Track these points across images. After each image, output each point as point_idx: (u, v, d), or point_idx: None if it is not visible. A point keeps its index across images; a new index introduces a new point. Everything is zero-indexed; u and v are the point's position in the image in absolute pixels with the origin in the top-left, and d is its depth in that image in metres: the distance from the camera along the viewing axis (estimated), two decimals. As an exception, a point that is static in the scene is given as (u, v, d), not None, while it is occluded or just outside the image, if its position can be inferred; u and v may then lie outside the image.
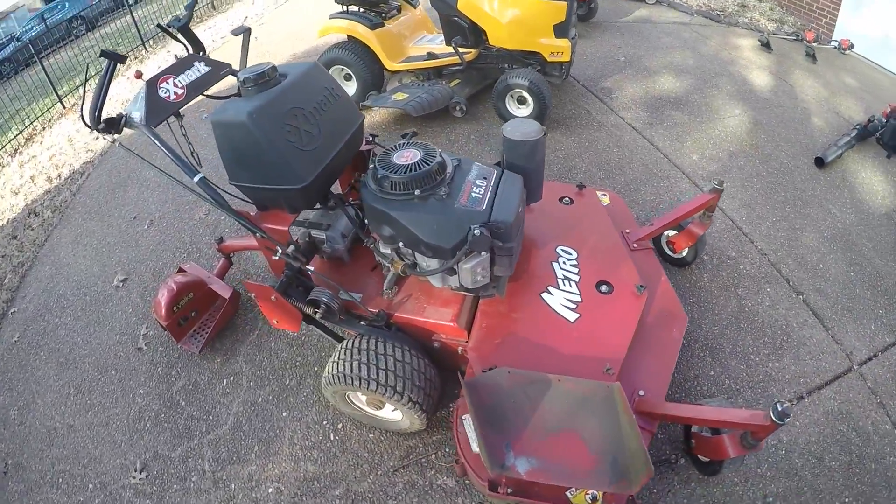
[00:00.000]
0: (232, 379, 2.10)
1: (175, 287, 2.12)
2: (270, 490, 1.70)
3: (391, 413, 1.70)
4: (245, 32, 1.80)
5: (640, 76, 4.02)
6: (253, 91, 1.50)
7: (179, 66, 1.63)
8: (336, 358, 1.58)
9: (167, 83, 1.57)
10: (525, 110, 3.19)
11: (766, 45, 4.51)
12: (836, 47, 4.69)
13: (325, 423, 1.88)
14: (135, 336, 2.39)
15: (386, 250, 1.59)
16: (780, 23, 5.31)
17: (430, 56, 3.38)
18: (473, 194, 1.43)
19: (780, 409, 1.22)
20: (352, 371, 1.50)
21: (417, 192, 1.41)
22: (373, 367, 1.49)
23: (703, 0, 5.77)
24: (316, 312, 1.58)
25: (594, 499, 1.31)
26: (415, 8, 3.78)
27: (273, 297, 1.53)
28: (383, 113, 3.70)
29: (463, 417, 1.48)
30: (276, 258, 1.63)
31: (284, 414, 1.93)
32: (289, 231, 1.66)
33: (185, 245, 2.87)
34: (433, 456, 1.74)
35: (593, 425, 1.32)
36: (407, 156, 1.47)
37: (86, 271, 2.88)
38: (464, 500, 1.63)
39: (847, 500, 1.61)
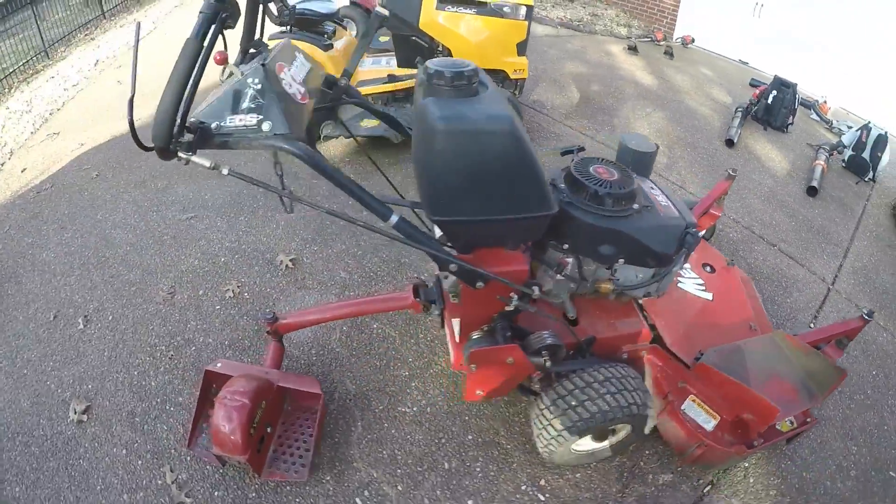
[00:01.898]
0: (367, 493, 1.75)
1: (246, 400, 1.63)
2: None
3: (608, 440, 1.76)
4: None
5: (556, 88, 4.69)
6: (459, 93, 1.25)
7: (284, 53, 1.30)
8: (568, 405, 1.55)
9: (285, 73, 1.24)
10: None
11: (633, 49, 5.71)
12: (680, 43, 6.19)
13: (524, 487, 1.78)
14: (160, 489, 1.75)
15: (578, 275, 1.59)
16: (628, 27, 6.72)
17: (392, 79, 3.41)
18: (661, 202, 1.63)
19: (865, 311, 1.85)
20: (608, 405, 1.52)
21: (636, 205, 1.51)
22: (626, 394, 1.54)
23: (560, 13, 6.94)
24: (546, 360, 1.52)
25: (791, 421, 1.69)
26: (345, 29, 3.75)
27: (510, 359, 1.44)
28: (346, 142, 3.58)
29: (683, 408, 1.69)
30: (512, 307, 1.47)
31: (470, 502, 1.74)
32: (529, 268, 1.47)
33: (165, 338, 2.24)
34: (641, 463, 1.87)
35: (783, 366, 1.73)
36: (602, 171, 1.54)
37: (13, 411, 2.02)
38: (686, 487, 1.84)
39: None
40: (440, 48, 3.34)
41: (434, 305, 1.74)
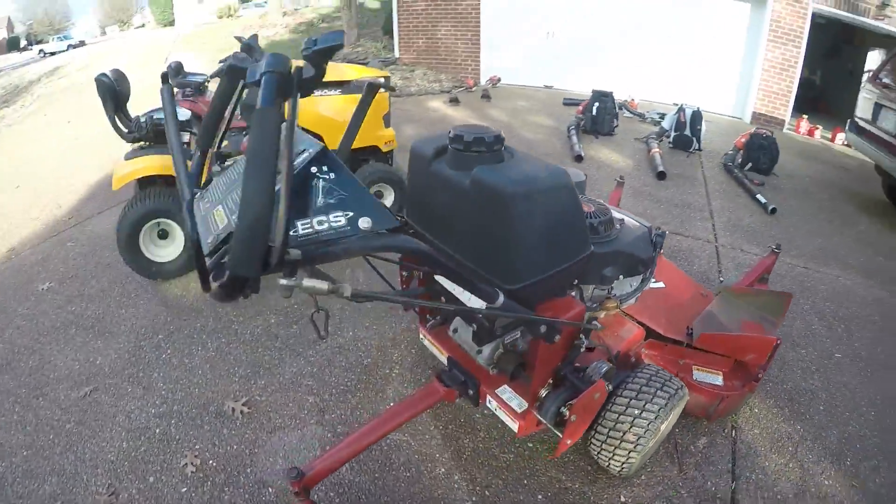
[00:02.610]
0: None
1: None
2: None
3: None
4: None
5: (406, 151, 4.97)
6: (498, 157, 1.34)
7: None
8: (633, 416, 1.61)
9: None
10: (387, 200, 3.50)
11: (455, 101, 6.43)
12: (490, 85, 7.18)
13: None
14: None
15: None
16: (438, 82, 7.55)
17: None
18: (622, 217, 1.85)
19: (774, 246, 2.52)
20: (663, 400, 1.62)
21: (617, 226, 1.70)
22: (668, 385, 1.66)
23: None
24: (609, 385, 1.57)
25: None
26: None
27: (597, 395, 1.50)
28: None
29: (695, 378, 2.01)
30: (584, 348, 1.55)
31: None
32: (585, 314, 1.53)
33: None
34: (678, 441, 2.06)
35: (744, 312, 2.18)
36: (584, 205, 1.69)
37: None
38: (720, 439, 2.08)
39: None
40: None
41: (466, 387, 1.68)
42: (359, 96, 3.31)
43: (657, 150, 4.88)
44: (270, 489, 1.77)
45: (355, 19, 10.33)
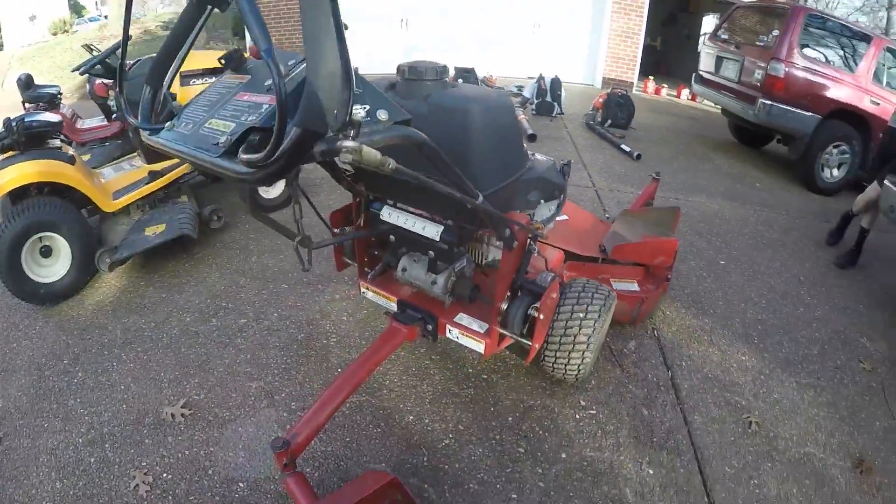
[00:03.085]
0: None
1: None
2: None
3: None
4: None
5: None
6: (448, 84, 1.51)
7: None
8: (581, 318, 1.77)
9: None
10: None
11: None
12: None
13: (580, 406, 1.96)
14: None
15: None
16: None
17: (154, 176, 2.99)
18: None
19: (653, 174, 2.91)
20: (602, 302, 1.82)
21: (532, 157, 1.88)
22: (600, 290, 1.87)
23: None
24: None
25: None
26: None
27: (554, 295, 1.73)
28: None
29: (615, 288, 2.28)
30: (535, 253, 1.73)
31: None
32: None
33: None
34: (611, 347, 2.31)
35: (642, 227, 2.55)
36: None
37: None
38: (648, 340, 2.34)
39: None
40: None
41: (425, 322, 1.74)
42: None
43: (523, 116, 5.32)
44: (241, 484, 1.66)
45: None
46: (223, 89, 1.19)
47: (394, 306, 1.85)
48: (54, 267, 2.53)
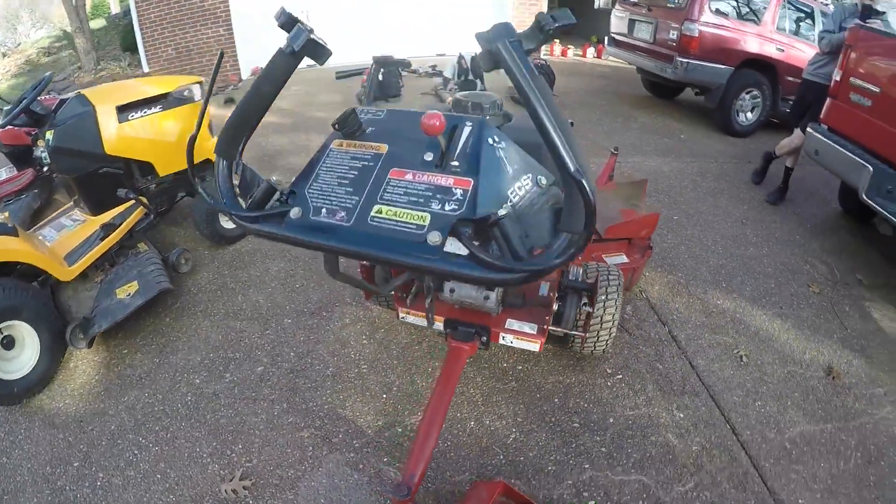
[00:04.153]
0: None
1: None
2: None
3: None
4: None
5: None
6: None
7: None
8: (607, 294, 2.01)
9: None
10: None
11: (231, 101, 6.10)
12: (252, 78, 7.00)
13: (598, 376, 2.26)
14: None
15: None
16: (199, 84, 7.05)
17: (108, 229, 2.80)
18: None
19: (612, 149, 3.14)
20: (618, 280, 2.09)
21: None
22: (610, 268, 2.16)
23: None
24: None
25: None
26: None
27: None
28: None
29: (610, 262, 2.54)
30: None
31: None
32: None
33: None
34: None
35: (616, 202, 2.89)
36: None
37: None
38: (642, 304, 2.68)
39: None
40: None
41: (479, 335, 1.89)
42: (181, 109, 3.08)
43: (449, 98, 5.50)
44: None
45: (90, 42, 9.38)
46: (355, 162, 1.16)
47: (440, 326, 1.96)
48: (21, 358, 2.30)
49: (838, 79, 3.28)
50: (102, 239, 2.75)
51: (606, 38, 6.48)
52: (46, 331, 2.34)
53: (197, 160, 3.01)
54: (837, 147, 3.16)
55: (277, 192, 1.18)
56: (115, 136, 2.73)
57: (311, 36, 1.09)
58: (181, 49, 8.00)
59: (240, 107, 1.14)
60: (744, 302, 2.85)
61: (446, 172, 1.11)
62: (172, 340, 2.58)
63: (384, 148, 1.19)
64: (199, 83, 3.23)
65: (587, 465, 1.92)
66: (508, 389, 2.23)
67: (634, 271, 2.68)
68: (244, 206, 1.19)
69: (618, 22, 6.27)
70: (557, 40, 8.94)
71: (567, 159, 0.92)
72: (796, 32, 5.53)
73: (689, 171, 4.53)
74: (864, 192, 2.90)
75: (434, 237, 1.03)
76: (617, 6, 6.35)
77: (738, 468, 1.95)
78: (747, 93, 5.37)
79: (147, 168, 2.97)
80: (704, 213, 3.78)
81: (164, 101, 2.96)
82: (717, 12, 5.22)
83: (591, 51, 9.35)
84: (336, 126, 1.22)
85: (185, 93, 3.10)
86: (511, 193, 1.11)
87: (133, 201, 2.85)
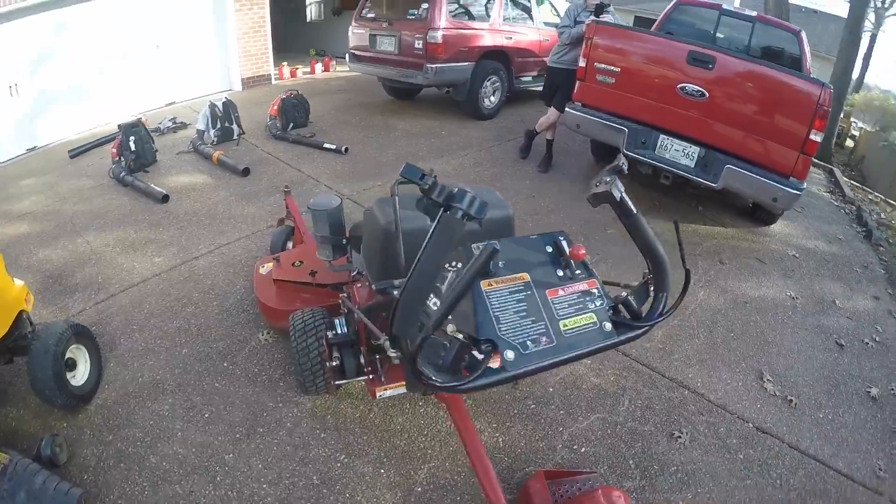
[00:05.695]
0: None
1: None
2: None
3: None
4: None
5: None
6: None
7: None
8: None
9: None
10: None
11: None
12: None
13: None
14: None
15: None
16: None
17: None
18: None
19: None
20: None
21: None
22: None
23: None
24: None
25: None
26: None
27: None
28: None
29: None
30: None
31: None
32: None
33: None
34: None
35: None
36: None
37: None
38: None
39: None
40: None
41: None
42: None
43: (219, 152, 5.20)
44: None
45: None
46: (516, 295, 1.32)
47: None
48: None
49: (584, 65, 4.43)
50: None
51: (348, 55, 6.92)
52: None
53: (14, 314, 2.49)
54: (595, 119, 4.36)
55: (470, 348, 1.23)
56: None
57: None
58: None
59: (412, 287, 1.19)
60: (594, 257, 3.76)
61: (577, 280, 1.46)
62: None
63: (526, 276, 1.39)
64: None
65: (560, 429, 2.51)
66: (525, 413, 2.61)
67: None
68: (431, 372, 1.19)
69: (358, 38, 6.79)
70: (285, 63, 8.99)
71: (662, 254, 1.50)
72: (516, 21, 6.96)
73: (467, 164, 5.41)
74: (625, 148, 4.09)
75: (607, 326, 1.41)
76: (354, 23, 6.83)
77: (642, 375, 2.78)
78: (488, 80, 6.60)
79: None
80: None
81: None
82: (454, 17, 6.17)
83: (318, 66, 9.68)
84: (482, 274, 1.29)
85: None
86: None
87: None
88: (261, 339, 2.99)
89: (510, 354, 1.23)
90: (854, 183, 8.51)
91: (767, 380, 2.93)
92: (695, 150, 4.08)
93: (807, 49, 4.85)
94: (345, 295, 2.32)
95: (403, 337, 1.19)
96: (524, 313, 1.32)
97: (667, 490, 2.34)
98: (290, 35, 10.58)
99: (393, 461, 2.38)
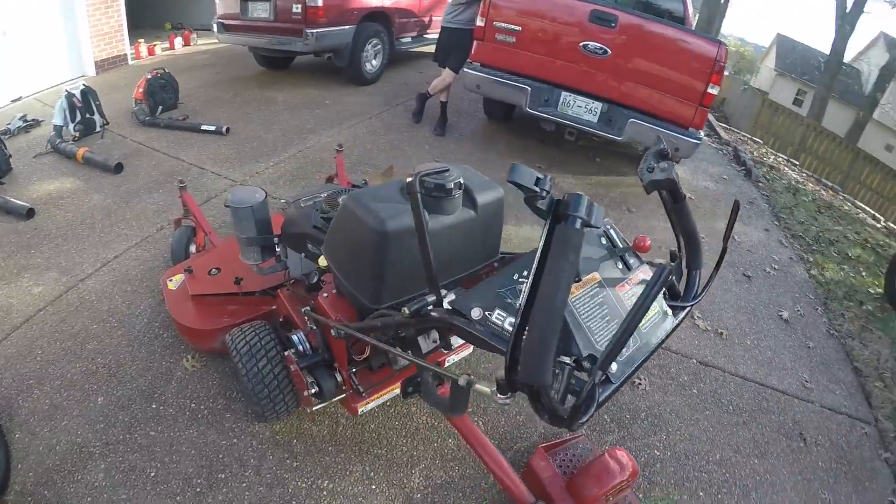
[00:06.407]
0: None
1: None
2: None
3: None
4: None
5: None
6: None
7: None
8: None
9: None
10: None
11: None
12: None
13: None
14: None
15: None
16: None
17: None
18: None
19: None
20: None
21: None
22: None
23: None
24: None
25: None
26: None
27: None
28: None
29: None
30: None
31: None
32: None
33: None
34: None
35: None
36: None
37: None
38: None
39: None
40: None
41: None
42: None
43: (83, 149, 4.45)
44: None
45: None
46: (595, 299, 1.22)
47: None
48: None
49: (482, 24, 4.34)
50: None
51: (215, 25, 6.14)
52: None
53: None
54: (496, 78, 4.32)
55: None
56: None
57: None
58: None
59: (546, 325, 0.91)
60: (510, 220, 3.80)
61: (633, 271, 1.40)
62: None
63: (597, 276, 1.27)
64: None
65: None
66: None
67: None
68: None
69: (226, 5, 6.02)
70: (142, 39, 7.77)
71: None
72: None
73: (361, 133, 5.15)
74: (528, 107, 4.12)
75: (668, 311, 1.37)
76: (216, -8, 6.03)
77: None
78: (370, 44, 6.26)
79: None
80: (403, 168, 4.32)
81: None
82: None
83: (178, 41, 8.55)
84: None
85: None
86: None
87: None
88: (187, 367, 2.59)
89: (615, 366, 1.12)
90: (725, 126, 9.63)
91: (698, 317, 3.24)
92: (597, 106, 4.29)
93: (689, 4, 5.25)
94: (308, 308, 2.04)
95: (538, 382, 0.94)
96: (608, 317, 1.20)
97: (643, 436, 2.52)
98: (141, 9, 9.18)
99: (381, 473, 2.24)
